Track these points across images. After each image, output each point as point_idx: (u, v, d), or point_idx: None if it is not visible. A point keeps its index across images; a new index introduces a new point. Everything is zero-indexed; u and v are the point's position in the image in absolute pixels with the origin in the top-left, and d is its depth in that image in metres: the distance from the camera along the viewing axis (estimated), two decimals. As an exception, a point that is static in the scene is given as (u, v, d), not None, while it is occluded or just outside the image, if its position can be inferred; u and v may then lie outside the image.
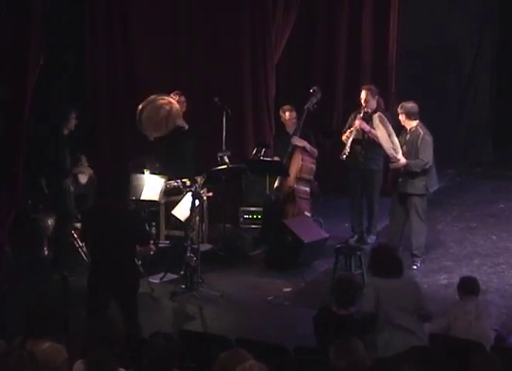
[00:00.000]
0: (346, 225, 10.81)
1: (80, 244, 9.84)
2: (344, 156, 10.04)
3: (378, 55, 12.71)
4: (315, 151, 10.47)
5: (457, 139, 15.15)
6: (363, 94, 10.22)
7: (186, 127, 10.38)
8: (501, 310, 8.23)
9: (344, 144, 10.14)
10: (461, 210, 12.18)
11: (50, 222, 9.80)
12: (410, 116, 9.49)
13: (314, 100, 10.50)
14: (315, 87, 10.61)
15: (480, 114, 15.45)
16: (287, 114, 10.55)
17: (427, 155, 9.48)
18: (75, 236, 9.85)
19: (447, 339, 6.51)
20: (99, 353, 4.97)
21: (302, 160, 10.38)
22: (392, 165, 9.63)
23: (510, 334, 6.78)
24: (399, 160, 9.44)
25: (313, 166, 10.45)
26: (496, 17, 15.10)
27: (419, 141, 9.46)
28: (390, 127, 9.58)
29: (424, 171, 9.50)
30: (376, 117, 9.69)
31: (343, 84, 12.77)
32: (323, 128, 12.17)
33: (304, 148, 10.40)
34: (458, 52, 14.98)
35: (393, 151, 9.47)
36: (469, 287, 6.80)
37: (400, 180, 9.60)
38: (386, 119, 9.62)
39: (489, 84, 15.44)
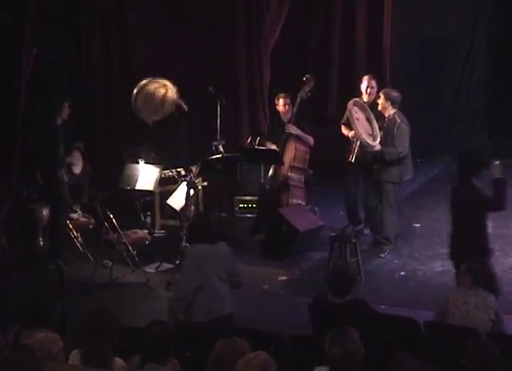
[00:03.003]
0: (341, 213, 10.81)
1: (76, 234, 9.84)
2: (353, 159, 9.81)
3: (373, 43, 12.62)
4: (310, 139, 10.43)
5: (452, 132, 15.13)
6: (369, 82, 10.15)
7: (186, 108, 10.35)
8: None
9: (348, 141, 10.03)
10: (456, 197, 12.16)
11: (45, 212, 9.76)
12: (391, 103, 9.53)
13: (307, 88, 10.46)
14: (308, 75, 10.57)
15: (476, 106, 15.38)
16: (281, 101, 10.49)
17: (402, 144, 9.53)
18: (70, 226, 9.85)
19: (442, 326, 6.52)
20: (95, 345, 4.98)
21: (296, 149, 10.36)
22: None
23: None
24: (373, 147, 9.50)
25: (307, 155, 10.44)
26: (491, 8, 15.03)
27: (395, 129, 9.51)
28: (370, 113, 9.66)
29: (399, 160, 9.57)
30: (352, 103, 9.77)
31: (337, 73, 12.69)
32: (318, 117, 12.16)
33: (298, 137, 10.38)
34: (453, 43, 14.91)
35: (366, 137, 9.49)
36: (479, 277, 6.71)
37: (375, 167, 9.67)
38: (365, 105, 9.74)
39: (483, 76, 15.37)
